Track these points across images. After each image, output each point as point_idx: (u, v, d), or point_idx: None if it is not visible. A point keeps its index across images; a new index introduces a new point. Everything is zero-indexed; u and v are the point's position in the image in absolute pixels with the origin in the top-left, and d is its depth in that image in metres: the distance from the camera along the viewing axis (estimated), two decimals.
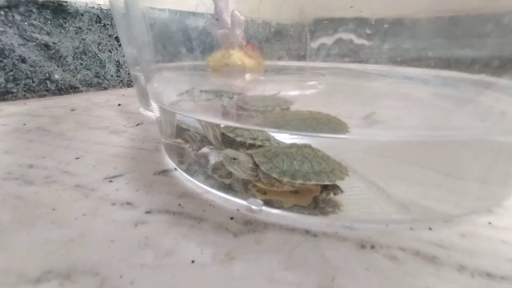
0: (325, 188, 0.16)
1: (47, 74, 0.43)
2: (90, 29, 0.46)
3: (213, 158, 0.19)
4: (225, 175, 0.18)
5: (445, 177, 0.16)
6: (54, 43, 0.43)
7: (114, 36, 0.50)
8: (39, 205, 0.17)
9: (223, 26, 0.36)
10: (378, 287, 0.11)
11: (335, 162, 0.16)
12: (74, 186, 0.19)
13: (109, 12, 0.48)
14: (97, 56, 0.48)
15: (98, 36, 0.47)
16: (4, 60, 0.39)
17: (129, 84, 0.54)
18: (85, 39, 0.46)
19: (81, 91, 0.48)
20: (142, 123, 0.33)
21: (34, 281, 0.12)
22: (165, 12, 0.21)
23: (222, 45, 0.39)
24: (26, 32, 0.40)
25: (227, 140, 0.17)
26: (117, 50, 0.51)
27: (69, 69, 0.45)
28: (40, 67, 0.42)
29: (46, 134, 0.29)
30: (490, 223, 0.15)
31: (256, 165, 0.16)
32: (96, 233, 0.15)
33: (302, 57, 0.21)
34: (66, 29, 0.43)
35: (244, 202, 0.17)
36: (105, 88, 0.50)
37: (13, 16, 0.38)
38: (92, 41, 0.47)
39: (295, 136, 0.17)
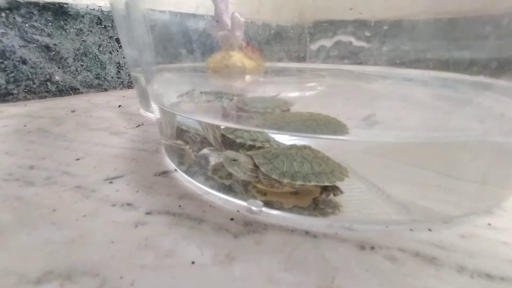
0: (325, 189, 0.16)
1: (47, 76, 0.43)
2: (91, 31, 0.46)
3: (213, 159, 0.19)
4: (225, 176, 0.18)
5: (444, 178, 0.16)
6: (55, 44, 0.43)
7: (115, 37, 0.50)
8: (39, 206, 0.17)
9: (223, 28, 0.36)
10: None
11: (334, 163, 0.16)
12: (74, 187, 0.19)
13: (110, 14, 0.48)
14: (98, 58, 0.48)
15: (99, 37, 0.47)
16: (5, 62, 0.39)
17: (129, 86, 0.54)
18: (85, 41, 0.46)
19: (82, 93, 0.48)
20: (142, 124, 0.33)
21: (34, 282, 0.12)
22: (165, 14, 0.22)
23: (222, 47, 0.39)
24: (27, 33, 0.40)
25: (227, 142, 0.17)
26: (117, 51, 0.51)
27: (69, 70, 0.45)
28: (41, 68, 0.42)
29: (46, 135, 0.29)
30: (489, 224, 0.16)
31: (256, 166, 0.16)
32: (96, 234, 0.15)
33: (302, 59, 0.21)
34: (67, 30, 0.44)
35: (244, 203, 0.17)
36: (106, 90, 0.51)
37: (14, 18, 0.38)
38: (93, 43, 0.47)
39: (295, 138, 0.17)
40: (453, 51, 0.17)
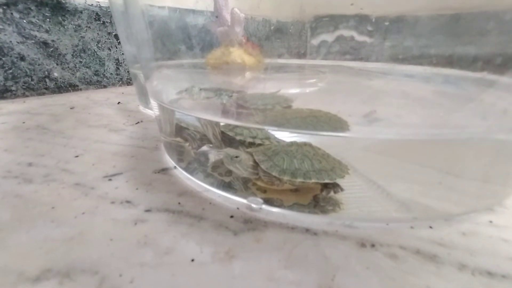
0: (325, 186, 0.16)
1: (46, 72, 0.43)
2: (89, 27, 0.46)
3: (213, 156, 0.19)
4: (225, 173, 0.18)
5: (445, 176, 0.16)
6: (53, 40, 0.42)
7: (114, 34, 0.50)
8: (38, 204, 0.17)
9: (223, 24, 0.36)
10: (378, 285, 0.11)
11: (335, 161, 0.16)
12: (73, 185, 0.19)
13: (108, 10, 0.48)
14: (97, 54, 0.48)
15: (97, 34, 0.47)
16: (3, 58, 0.39)
17: (128, 82, 0.54)
18: (84, 37, 0.45)
19: (81, 89, 0.48)
20: (141, 121, 0.33)
21: (33, 280, 0.12)
22: (164, 9, 0.21)
23: (221, 43, 0.39)
24: (25, 30, 0.40)
25: (227, 139, 0.17)
26: (116, 48, 0.50)
27: (68, 67, 0.45)
28: (39, 65, 0.42)
29: (45, 132, 0.29)
30: (491, 221, 0.15)
31: (256, 164, 0.16)
32: (95, 231, 0.14)
33: (302, 55, 0.21)
34: (65, 26, 0.43)
35: (244, 201, 0.17)
36: (105, 86, 0.50)
37: (11, 13, 0.38)
38: (91, 39, 0.46)
39: (295, 134, 0.17)
40: (456, 47, 0.17)
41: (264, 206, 0.16)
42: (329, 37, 0.18)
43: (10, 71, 0.40)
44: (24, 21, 0.39)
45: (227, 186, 0.18)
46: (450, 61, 0.17)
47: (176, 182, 0.19)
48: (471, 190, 0.17)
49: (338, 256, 0.13)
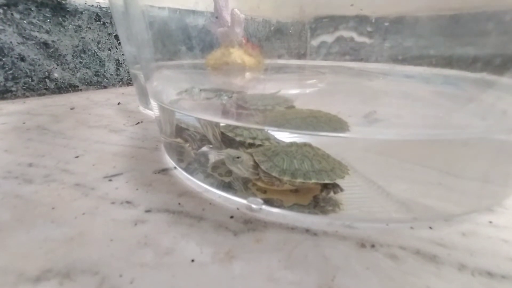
0: (325, 187, 0.16)
1: (46, 73, 0.43)
2: (90, 28, 0.46)
3: (213, 157, 0.19)
4: (225, 174, 0.18)
5: (445, 176, 0.16)
6: (53, 41, 0.42)
7: (114, 34, 0.50)
8: (38, 204, 0.17)
9: (223, 24, 0.36)
10: (378, 286, 0.11)
11: (335, 161, 0.16)
12: (73, 185, 0.19)
13: (109, 11, 0.48)
14: (97, 55, 0.48)
15: (98, 34, 0.47)
16: (3, 59, 0.39)
17: (128, 83, 0.54)
18: (84, 38, 0.45)
19: (81, 90, 0.48)
20: (141, 121, 0.33)
21: (33, 280, 0.12)
22: (164, 10, 0.21)
23: (222, 44, 0.39)
24: (25, 30, 0.40)
25: (227, 140, 0.17)
26: (116, 48, 0.50)
27: (68, 67, 0.45)
28: (39, 65, 0.42)
29: (45, 132, 0.29)
30: (490, 222, 0.15)
31: (256, 164, 0.16)
32: (95, 232, 0.15)
33: (302, 56, 0.21)
34: (66, 27, 0.43)
35: (244, 201, 0.17)
36: (105, 87, 0.50)
37: (12, 14, 0.38)
38: (92, 40, 0.46)
39: (295, 135, 0.17)
40: (456, 48, 0.17)
41: (264, 207, 0.16)
42: (329, 38, 0.18)
43: (11, 71, 0.40)
44: (25, 21, 0.39)
45: (227, 187, 0.18)
46: (449, 62, 0.17)
47: (176, 183, 0.19)
48: (471, 190, 0.17)
49: (338, 256, 0.13)
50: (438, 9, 0.17)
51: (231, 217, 0.16)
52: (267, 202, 0.16)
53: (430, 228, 0.15)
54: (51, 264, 0.12)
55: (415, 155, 0.16)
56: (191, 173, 0.20)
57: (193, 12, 0.22)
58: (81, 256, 0.13)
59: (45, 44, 0.42)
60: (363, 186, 0.17)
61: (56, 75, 0.44)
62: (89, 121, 0.33)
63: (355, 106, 0.24)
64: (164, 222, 0.15)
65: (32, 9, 0.40)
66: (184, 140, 0.20)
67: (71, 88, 0.46)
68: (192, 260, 0.13)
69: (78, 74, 0.46)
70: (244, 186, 0.17)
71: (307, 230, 0.15)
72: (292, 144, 0.17)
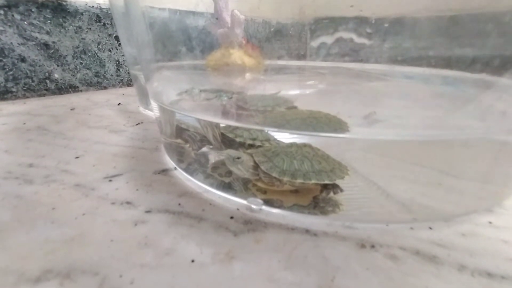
0: (325, 187, 0.16)
1: (46, 74, 0.43)
2: (90, 28, 0.46)
3: (213, 157, 0.19)
4: (225, 174, 0.18)
5: (445, 177, 0.16)
6: (53, 42, 0.43)
7: (114, 35, 0.50)
8: (39, 205, 0.17)
9: (223, 25, 0.36)
10: (378, 286, 0.11)
11: (335, 162, 0.16)
12: (74, 186, 0.19)
13: (109, 11, 0.48)
14: (97, 56, 0.48)
15: (98, 35, 0.47)
16: (4, 60, 0.39)
17: (129, 84, 0.54)
18: (84, 38, 0.46)
19: (81, 91, 0.48)
20: (142, 122, 0.33)
21: (34, 281, 0.12)
22: (164, 11, 0.21)
23: (222, 44, 0.39)
24: (25, 31, 0.40)
25: (227, 140, 0.17)
26: (117, 49, 0.50)
27: (68, 68, 0.45)
28: (39, 66, 0.42)
29: (45, 133, 0.29)
30: (490, 222, 0.15)
31: (256, 165, 0.16)
32: (96, 232, 0.15)
33: (302, 57, 0.21)
34: (66, 28, 0.43)
35: (244, 202, 0.17)
36: (105, 88, 0.50)
37: (12, 15, 0.38)
38: (92, 40, 0.47)
39: (295, 136, 0.17)
40: (455, 49, 0.17)
41: (264, 207, 0.16)
42: (328, 39, 0.18)
43: (11, 72, 0.40)
44: (25, 22, 0.39)
45: (227, 187, 0.18)
46: (449, 63, 0.17)
47: (176, 183, 0.19)
48: (471, 191, 0.17)
49: (338, 257, 0.13)
50: (437, 10, 0.17)
51: (231, 217, 0.16)
52: (267, 202, 0.16)
53: (430, 228, 0.15)
54: (52, 264, 0.12)
55: (415, 155, 0.16)
56: (191, 174, 0.20)
57: (193, 13, 0.23)
58: (82, 256, 0.13)
59: (46, 45, 0.42)
60: (363, 186, 0.17)
61: (56, 76, 0.44)
62: (89, 121, 0.33)
63: (354, 107, 0.24)
64: (164, 222, 0.15)
65: (33, 10, 0.40)
66: (184, 141, 0.20)
67: (72, 88, 0.46)
68: (192, 261, 0.13)
69: (78, 75, 0.46)
70: (244, 187, 0.18)
71: (307, 231, 0.15)
72: (292, 144, 0.17)
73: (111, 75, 0.50)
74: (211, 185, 0.18)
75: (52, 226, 0.15)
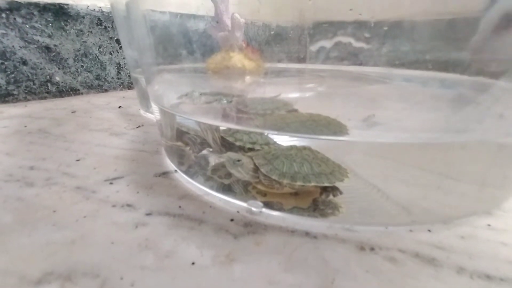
0: (324, 190, 0.16)
1: (48, 77, 0.43)
2: (91, 32, 0.46)
3: (213, 160, 0.19)
4: (224, 176, 0.18)
5: (444, 179, 0.16)
6: (55, 45, 0.43)
7: (115, 38, 0.50)
8: (40, 207, 0.17)
9: (223, 29, 0.36)
10: None
11: (334, 164, 0.16)
12: (74, 188, 0.19)
13: (110, 15, 0.48)
14: (98, 59, 0.48)
15: (99, 38, 0.47)
16: (5, 63, 0.39)
17: (129, 86, 0.54)
18: (86, 42, 0.46)
19: (82, 93, 0.48)
20: (142, 125, 0.33)
21: (35, 283, 0.12)
22: (165, 14, 0.22)
23: (222, 48, 0.39)
24: (27, 34, 0.40)
25: (227, 144, 0.17)
26: (118, 52, 0.51)
27: (70, 71, 0.45)
28: (41, 69, 0.42)
29: (47, 136, 0.29)
30: (489, 225, 0.16)
31: (256, 167, 0.16)
32: (96, 235, 0.15)
33: (302, 60, 0.21)
34: (67, 31, 0.44)
35: (244, 204, 0.17)
36: (106, 90, 0.51)
37: (14, 18, 0.39)
38: (93, 44, 0.47)
39: (295, 139, 0.17)
40: (453, 52, 0.17)
41: (264, 210, 0.16)
42: (328, 43, 0.18)
43: (12, 75, 0.40)
44: (27, 26, 0.40)
45: (227, 190, 0.18)
46: (447, 66, 0.17)
47: (177, 186, 0.19)
48: (470, 193, 0.17)
49: (337, 259, 0.13)
50: (436, 14, 0.17)
51: (231, 220, 0.16)
52: (267, 205, 0.16)
53: (429, 231, 0.15)
54: (52, 266, 0.13)
55: (414, 158, 0.16)
56: (191, 176, 0.20)
57: (194, 16, 0.23)
58: (82, 259, 0.13)
59: (47, 48, 0.42)
60: (362, 189, 0.17)
61: (57, 78, 0.44)
62: (90, 124, 0.33)
63: (354, 109, 0.24)
64: (164, 225, 0.15)
65: (35, 13, 0.40)
66: (184, 144, 0.20)
67: (73, 91, 0.47)
68: (193, 263, 0.13)
69: (79, 78, 0.47)
70: (244, 189, 0.18)
71: (307, 233, 0.15)
72: (291, 147, 0.17)
73: (112, 78, 0.50)
74: (211, 187, 0.18)
75: (53, 229, 0.15)
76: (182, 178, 0.20)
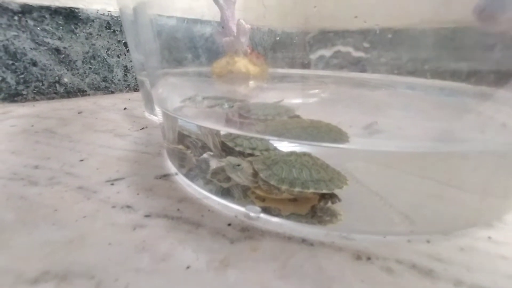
0: (323, 197, 0.16)
1: (56, 78, 0.44)
2: (100, 35, 0.47)
3: (214, 164, 0.20)
4: (224, 179, 0.18)
5: (445, 189, 0.16)
6: (65, 47, 0.44)
7: (123, 42, 0.51)
8: (42, 206, 0.17)
9: (229, 34, 0.36)
10: None
11: (334, 171, 0.16)
12: (76, 188, 0.19)
13: (119, 19, 0.49)
14: (106, 61, 0.49)
15: (108, 41, 0.48)
16: (16, 63, 0.40)
17: (135, 89, 0.55)
18: (94, 44, 0.47)
19: (89, 95, 0.49)
20: (146, 127, 0.34)
21: (31, 282, 0.12)
22: (172, 19, 0.22)
23: (227, 52, 0.40)
24: (38, 36, 0.41)
25: (227, 149, 0.17)
26: (125, 55, 0.52)
27: (78, 73, 0.46)
28: (50, 70, 0.43)
29: (52, 136, 0.30)
30: (489, 237, 0.15)
31: (256, 172, 0.16)
32: (95, 235, 0.15)
33: (306, 65, 0.21)
34: (77, 34, 0.45)
35: (242, 209, 0.17)
36: (112, 92, 0.51)
37: (26, 21, 0.40)
38: (102, 46, 0.48)
39: (295, 145, 0.17)
40: (457, 61, 0.17)
41: (262, 215, 0.16)
42: (331, 49, 0.18)
43: (22, 75, 0.41)
44: (38, 28, 0.41)
45: (226, 193, 0.18)
46: (450, 75, 0.17)
47: (177, 188, 0.20)
48: (471, 204, 0.16)
49: (333, 267, 0.13)
50: (441, 22, 0.17)
51: (229, 224, 0.16)
52: (265, 210, 0.16)
53: (428, 241, 0.15)
54: (50, 266, 0.13)
55: (415, 166, 0.16)
56: (191, 179, 0.20)
57: (200, 21, 0.23)
58: (79, 259, 0.13)
59: (57, 50, 0.43)
60: (362, 197, 0.17)
61: (66, 80, 0.45)
62: (95, 125, 0.34)
63: (356, 116, 0.24)
64: (162, 227, 0.15)
65: (46, 16, 0.41)
66: (185, 147, 0.20)
67: (80, 92, 0.48)
68: (188, 267, 0.13)
69: (87, 79, 0.48)
70: (243, 194, 0.18)
71: (303, 240, 0.15)
72: (291, 153, 0.17)
73: (119, 80, 0.51)
74: (211, 191, 0.18)
75: (53, 228, 0.15)
76: (183, 181, 0.21)
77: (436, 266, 0.13)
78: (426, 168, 0.16)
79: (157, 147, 0.27)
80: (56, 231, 0.15)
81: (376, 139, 0.20)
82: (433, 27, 0.17)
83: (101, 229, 0.15)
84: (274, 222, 0.16)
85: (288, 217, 0.16)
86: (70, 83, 0.46)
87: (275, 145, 0.18)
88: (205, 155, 0.20)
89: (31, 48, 0.41)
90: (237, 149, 0.17)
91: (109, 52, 0.49)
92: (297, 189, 0.15)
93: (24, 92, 0.42)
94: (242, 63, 0.39)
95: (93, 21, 0.46)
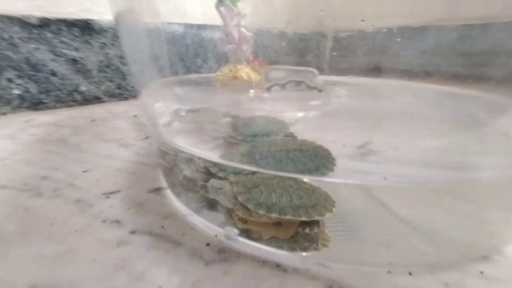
0: (304, 222, 0.16)
1: (74, 86, 0.47)
2: (113, 44, 0.49)
3: (199, 181, 0.20)
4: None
5: (435, 215, 0.15)
6: (81, 57, 0.47)
7: None
8: (41, 219, 0.19)
9: (232, 41, 0.37)
10: None
11: (321, 196, 0.16)
12: (75, 201, 0.21)
13: None
14: (119, 69, 0.51)
15: (120, 50, 0.50)
16: (38, 74, 0.43)
17: None
18: (108, 54, 0.49)
19: (104, 101, 0.51)
20: (150, 136, 0.35)
21: None
22: (174, 27, 0.23)
23: (230, 60, 0.40)
24: (56, 48, 0.44)
25: (209, 174, 0.18)
26: None
27: (94, 81, 0.49)
28: (68, 79, 0.46)
29: (65, 145, 0.32)
30: (481, 272, 0.14)
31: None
32: (82, 251, 0.16)
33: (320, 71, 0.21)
34: (92, 44, 0.47)
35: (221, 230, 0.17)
36: (126, 98, 0.54)
37: (45, 34, 0.43)
38: (115, 55, 0.50)
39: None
40: (473, 67, 0.16)
41: (240, 238, 0.16)
42: (337, 55, 0.18)
43: (44, 85, 0.44)
44: (56, 40, 0.44)
45: (211, 208, 0.18)
46: (464, 80, 0.16)
47: (166, 204, 0.20)
48: (463, 232, 0.15)
49: None
50: (449, 20, 0.16)
51: (208, 244, 0.16)
52: (246, 232, 0.17)
53: (410, 274, 0.14)
54: (38, 280, 0.14)
55: (403, 198, 0.16)
56: (177, 195, 0.21)
57: (204, 28, 0.23)
58: (63, 275, 0.14)
59: (74, 60, 0.46)
60: (346, 224, 0.16)
61: (83, 88, 0.48)
62: (104, 134, 0.36)
63: (354, 133, 0.23)
64: (144, 245, 0.16)
65: (63, 29, 0.44)
66: (167, 164, 0.20)
67: (96, 100, 0.50)
68: None
69: (102, 87, 0.50)
70: (228, 214, 0.18)
71: (277, 265, 0.15)
72: (274, 176, 0.17)
73: (132, 87, 0.54)
74: (195, 210, 0.19)
75: (47, 242, 0.16)
76: (172, 195, 0.21)
77: None
78: (413, 198, 0.15)
79: (156, 158, 0.28)
80: (49, 245, 0.16)
81: (365, 163, 0.19)
82: (442, 29, 0.16)
83: (89, 245, 0.16)
84: (252, 244, 0.16)
85: (269, 240, 0.16)
86: (87, 91, 0.49)
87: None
88: (187, 173, 0.20)
89: (50, 59, 0.44)
90: (220, 174, 0.17)
91: (122, 60, 0.51)
92: (273, 215, 0.15)
93: (45, 101, 0.45)
94: (245, 71, 0.39)
95: (106, 31, 0.48)
